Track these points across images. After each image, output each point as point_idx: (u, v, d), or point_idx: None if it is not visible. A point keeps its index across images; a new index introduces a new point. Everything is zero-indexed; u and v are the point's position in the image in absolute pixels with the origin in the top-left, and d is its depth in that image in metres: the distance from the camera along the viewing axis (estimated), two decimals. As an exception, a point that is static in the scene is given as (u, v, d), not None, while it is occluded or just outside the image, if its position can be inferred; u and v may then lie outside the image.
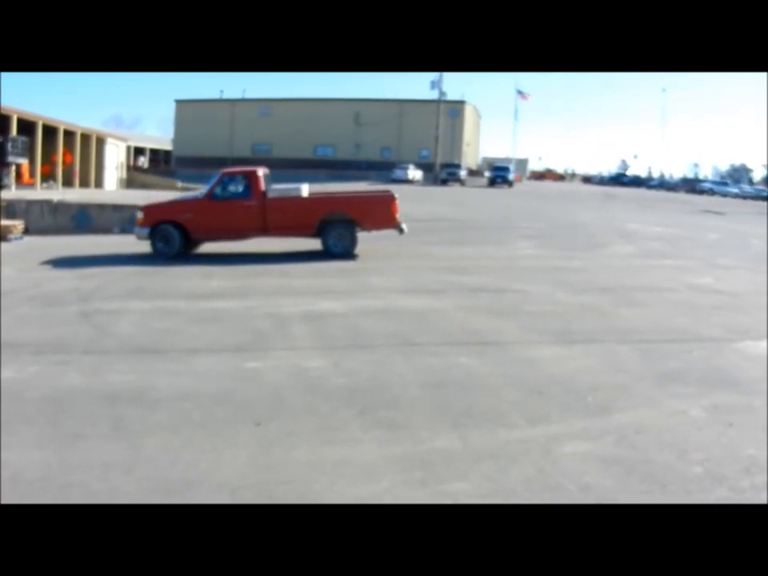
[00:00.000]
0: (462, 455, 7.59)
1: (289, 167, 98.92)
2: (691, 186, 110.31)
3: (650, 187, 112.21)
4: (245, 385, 9.96)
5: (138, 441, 7.94)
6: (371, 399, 9.33)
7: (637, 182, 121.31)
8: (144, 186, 68.22)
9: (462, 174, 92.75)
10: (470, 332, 13.16)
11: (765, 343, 12.65)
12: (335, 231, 23.80)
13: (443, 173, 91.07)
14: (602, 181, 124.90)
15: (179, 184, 74.55)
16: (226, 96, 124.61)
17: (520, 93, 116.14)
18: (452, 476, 7.07)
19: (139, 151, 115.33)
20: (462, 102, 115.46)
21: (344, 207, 24.31)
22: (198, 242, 24.58)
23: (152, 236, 23.50)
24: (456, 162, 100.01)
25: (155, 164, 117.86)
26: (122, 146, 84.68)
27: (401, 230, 24.49)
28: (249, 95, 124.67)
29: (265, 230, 23.90)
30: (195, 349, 11.83)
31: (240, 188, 24.07)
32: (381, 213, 24.34)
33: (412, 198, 47.99)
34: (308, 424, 8.49)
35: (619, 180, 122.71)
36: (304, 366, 10.80)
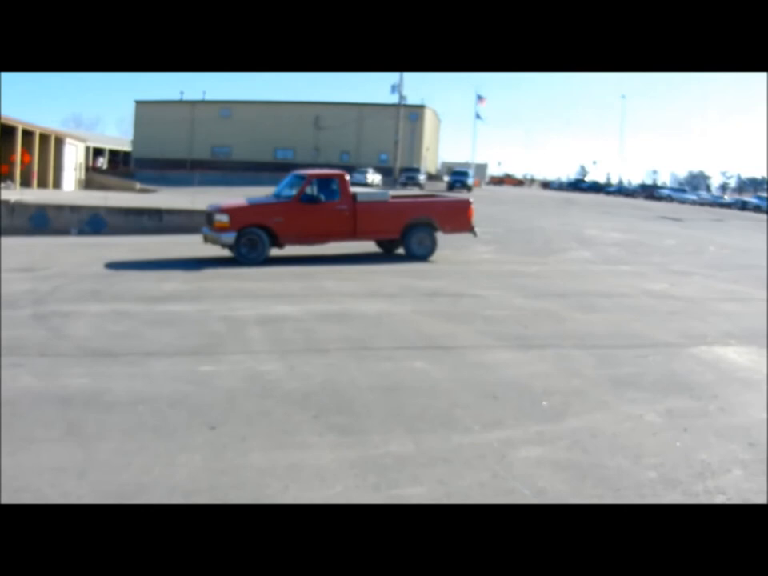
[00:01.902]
0: (415, 459, 7.57)
1: (248, 170, 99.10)
2: (649, 192, 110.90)
3: (609, 193, 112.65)
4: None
5: (91, 445, 7.85)
6: (325, 403, 9.30)
7: (595, 187, 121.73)
8: (103, 187, 67.68)
9: (421, 178, 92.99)
10: (426, 336, 13.15)
11: (719, 349, 12.77)
12: (418, 235, 24.62)
13: (402, 177, 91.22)
14: (560, 186, 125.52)
15: (138, 185, 74.35)
16: (185, 97, 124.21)
17: (480, 98, 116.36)
18: (405, 480, 7.05)
19: (98, 152, 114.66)
20: (421, 107, 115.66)
21: (428, 212, 25.16)
22: (280, 246, 23.86)
23: (237, 241, 22.67)
24: (415, 166, 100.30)
25: (114, 165, 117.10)
26: (81, 147, 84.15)
27: (474, 234, 25.98)
28: (209, 97, 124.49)
29: (354, 234, 24.21)
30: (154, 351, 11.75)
31: (329, 191, 24.01)
32: (459, 217, 25.62)
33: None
34: (262, 428, 8.45)
35: (578, 186, 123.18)
36: (261, 369, 10.76)
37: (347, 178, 24.72)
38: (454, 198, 29.60)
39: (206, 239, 23.72)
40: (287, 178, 25.88)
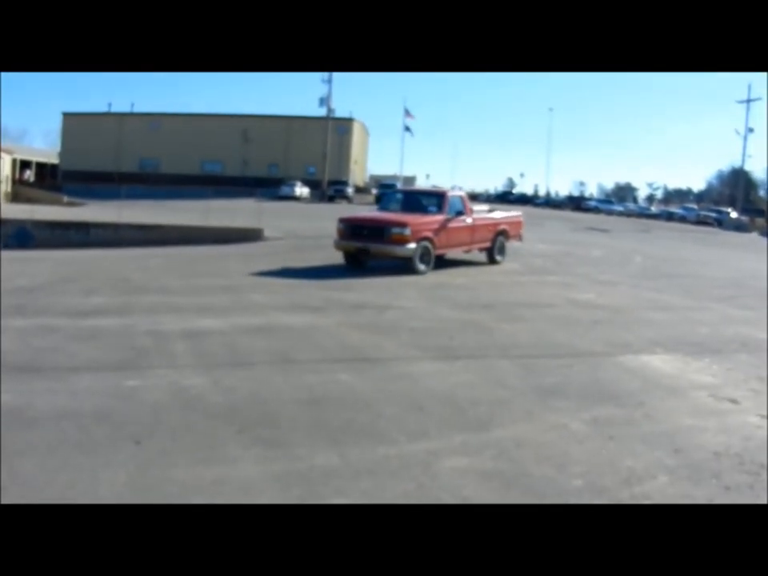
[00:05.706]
0: (340, 472, 7.50)
1: (176, 183, 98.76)
2: (577, 203, 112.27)
3: (537, 205, 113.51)
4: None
5: (13, 461, 7.68)
6: (250, 417, 9.20)
7: (523, 199, 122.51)
8: (30, 200, 66.95)
9: (349, 191, 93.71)
10: (351, 348, 13.09)
11: (645, 357, 12.87)
12: (498, 243, 28.80)
13: (330, 190, 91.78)
14: (488, 199, 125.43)
15: (65, 199, 73.67)
16: (114, 109, 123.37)
17: (408, 112, 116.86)
18: (331, 492, 6.98)
19: (25, 164, 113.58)
20: (350, 120, 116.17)
21: (505, 225, 29.59)
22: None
23: (414, 252, 24.31)
24: (343, 179, 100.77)
25: (42, 178, 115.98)
26: (8, 159, 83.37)
27: (521, 240, 31.33)
28: (137, 109, 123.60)
29: (470, 244, 27.58)
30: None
31: (459, 208, 26.66)
32: (517, 228, 30.59)
33: (299, 214, 48.08)
34: (187, 442, 8.34)
35: (506, 198, 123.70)
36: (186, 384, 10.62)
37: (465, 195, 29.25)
38: (512, 214, 33.05)
39: (341, 248, 25.82)
40: (389, 195, 33.00)
